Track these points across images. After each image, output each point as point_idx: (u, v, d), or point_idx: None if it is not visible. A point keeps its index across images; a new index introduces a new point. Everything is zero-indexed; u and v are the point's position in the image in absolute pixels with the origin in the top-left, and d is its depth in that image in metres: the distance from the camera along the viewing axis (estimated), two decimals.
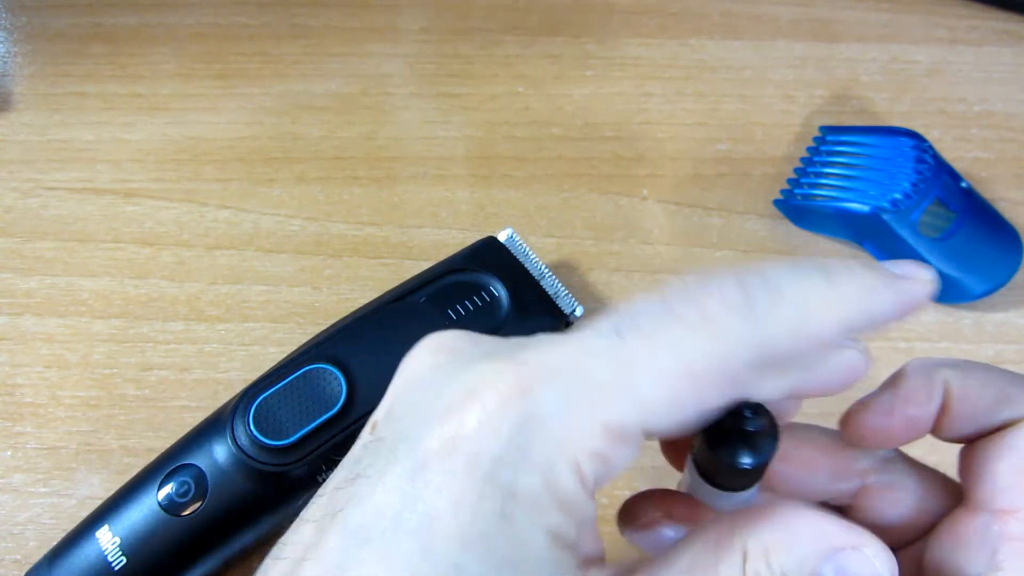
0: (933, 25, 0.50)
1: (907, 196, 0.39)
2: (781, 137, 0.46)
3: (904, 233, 0.39)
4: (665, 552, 0.20)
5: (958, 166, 0.42)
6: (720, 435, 0.21)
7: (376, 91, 0.47)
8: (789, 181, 0.43)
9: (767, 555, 0.19)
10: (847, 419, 0.26)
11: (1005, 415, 0.23)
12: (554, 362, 0.19)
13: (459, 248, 0.37)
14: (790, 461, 0.26)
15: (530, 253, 0.37)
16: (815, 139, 0.44)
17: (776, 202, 0.43)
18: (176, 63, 0.47)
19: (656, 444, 0.38)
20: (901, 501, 0.26)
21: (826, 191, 0.41)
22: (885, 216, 0.39)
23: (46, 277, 0.41)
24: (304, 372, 0.31)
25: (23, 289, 0.40)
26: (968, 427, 0.24)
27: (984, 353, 0.40)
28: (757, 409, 0.20)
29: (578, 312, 0.36)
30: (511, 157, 0.45)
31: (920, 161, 0.40)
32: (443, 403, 0.19)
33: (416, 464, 0.18)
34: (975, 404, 0.24)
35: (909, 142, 0.41)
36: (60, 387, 0.38)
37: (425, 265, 0.37)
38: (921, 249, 0.39)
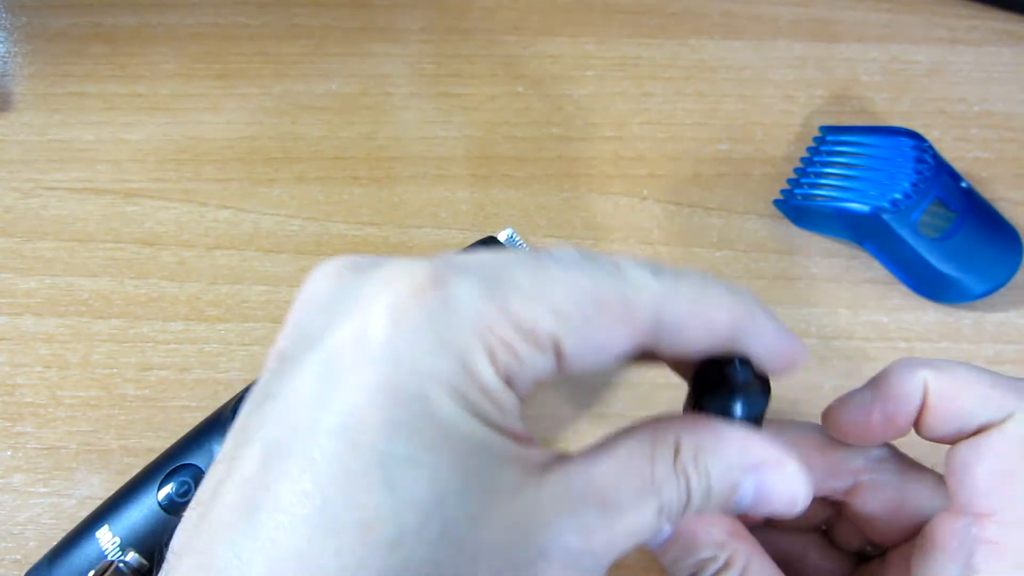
0: (933, 25, 0.50)
1: (907, 196, 0.39)
2: (781, 137, 0.46)
3: (904, 233, 0.39)
4: (603, 441, 0.21)
5: (958, 166, 0.42)
6: (710, 385, 0.22)
7: (376, 91, 0.47)
8: (789, 181, 0.43)
9: (696, 453, 0.20)
10: (828, 413, 0.26)
11: (985, 417, 0.24)
12: (470, 261, 0.19)
13: (459, 248, 0.37)
14: None
15: None
16: (815, 139, 0.44)
17: (776, 202, 0.43)
18: (176, 63, 0.47)
19: None
20: (893, 500, 0.27)
21: (826, 191, 0.41)
22: (885, 216, 0.39)
23: (46, 277, 0.41)
24: None
25: (23, 289, 0.40)
26: (949, 428, 0.25)
27: (984, 353, 0.40)
28: (745, 362, 0.21)
29: None
30: (511, 157, 0.45)
31: (920, 161, 0.40)
32: (351, 304, 0.19)
33: (327, 365, 0.18)
34: (955, 405, 0.24)
35: (909, 142, 0.41)
36: (60, 387, 0.38)
37: None
38: (921, 249, 0.39)
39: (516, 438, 0.19)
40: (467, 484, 0.18)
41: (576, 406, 0.38)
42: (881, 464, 0.28)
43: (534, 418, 0.38)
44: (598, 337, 0.19)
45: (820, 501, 0.30)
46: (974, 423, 0.24)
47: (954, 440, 0.25)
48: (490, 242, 0.37)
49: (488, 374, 0.18)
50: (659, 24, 0.49)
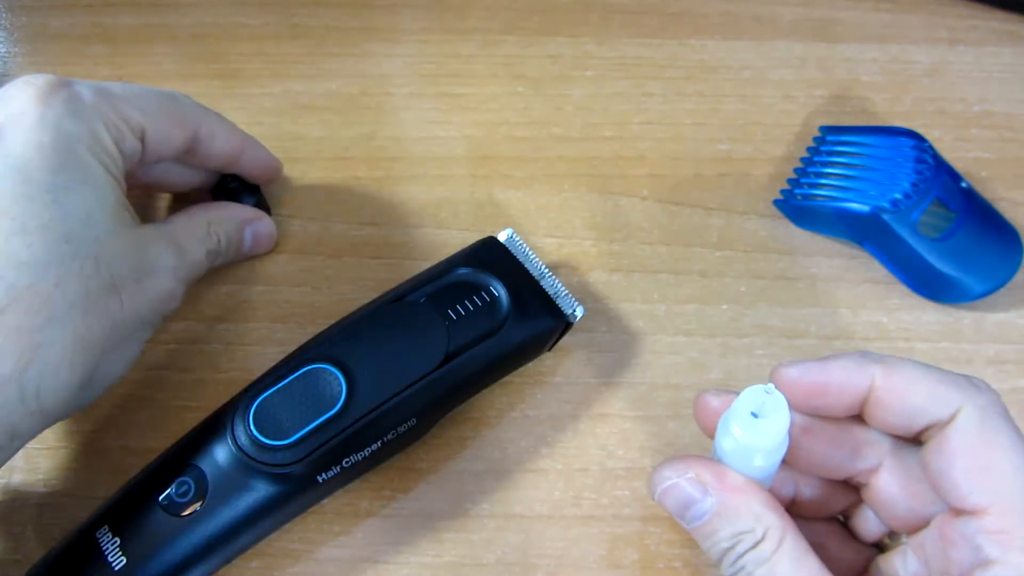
0: (933, 25, 0.50)
1: (907, 196, 0.39)
2: (781, 137, 0.46)
3: (904, 233, 0.39)
4: (158, 223, 0.34)
5: (958, 166, 0.42)
6: (221, 189, 0.40)
7: (376, 91, 0.47)
8: (789, 181, 0.43)
9: (219, 221, 0.37)
10: (775, 369, 0.28)
11: (933, 412, 0.26)
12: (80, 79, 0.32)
13: (459, 248, 0.37)
14: (815, 435, 0.29)
15: (530, 253, 0.37)
16: (815, 139, 0.44)
17: (776, 202, 0.43)
18: (176, 63, 0.47)
19: (657, 447, 0.38)
20: (912, 487, 0.28)
21: (826, 191, 0.41)
22: (885, 216, 0.39)
23: None
24: (304, 372, 0.31)
25: None
26: (896, 420, 0.27)
27: (984, 353, 0.40)
28: (235, 177, 0.40)
29: (578, 312, 0.36)
30: (511, 157, 0.45)
31: (920, 161, 0.40)
32: (6, 98, 0.29)
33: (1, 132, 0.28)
34: (902, 401, 0.26)
35: (909, 142, 0.41)
36: None
37: (425, 265, 0.37)
38: (921, 249, 0.39)
39: (124, 192, 0.31)
40: (104, 206, 0.29)
41: (576, 405, 0.38)
42: (903, 450, 0.28)
43: (533, 417, 0.38)
44: (166, 132, 0.33)
45: (842, 485, 0.30)
46: (923, 419, 0.26)
47: (905, 433, 0.27)
48: (490, 242, 0.37)
49: (108, 141, 0.30)
50: (659, 24, 0.49)
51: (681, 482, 0.27)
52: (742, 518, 0.26)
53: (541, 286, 0.36)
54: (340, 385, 0.31)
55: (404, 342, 0.32)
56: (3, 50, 0.48)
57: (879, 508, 0.29)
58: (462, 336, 0.33)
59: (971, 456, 0.25)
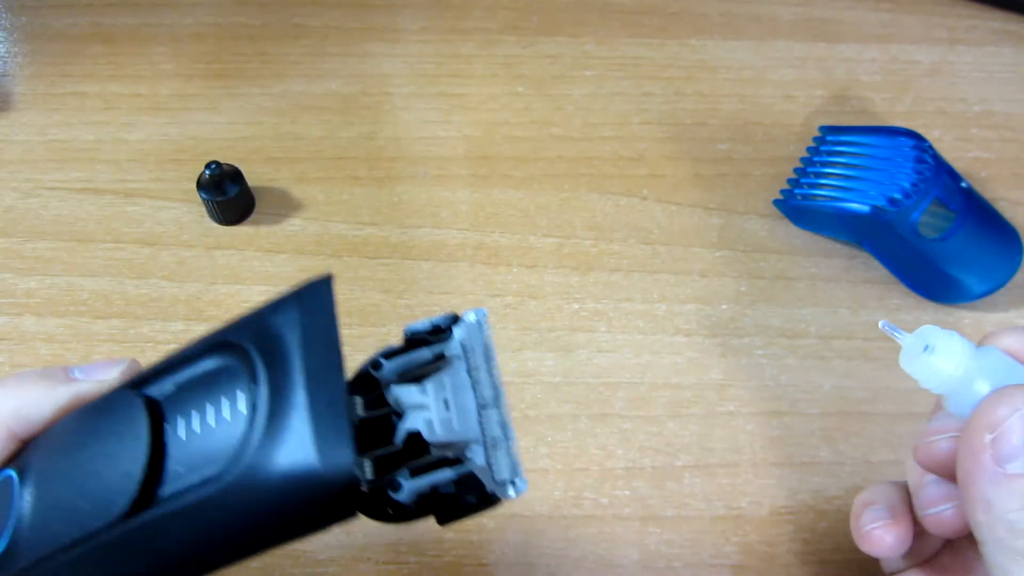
0: (933, 25, 0.50)
1: (907, 196, 0.39)
2: (781, 137, 0.46)
3: (904, 233, 0.39)
4: None
5: (958, 166, 0.42)
6: None
7: (376, 91, 0.47)
8: (789, 181, 0.43)
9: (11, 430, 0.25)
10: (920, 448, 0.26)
11: None
12: None
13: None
14: None
15: (475, 362, 0.22)
16: (815, 139, 0.44)
17: (776, 202, 0.43)
18: (176, 63, 0.47)
19: (657, 447, 0.38)
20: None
21: (826, 191, 0.41)
22: (885, 216, 0.39)
23: (46, 277, 0.41)
24: None
25: (23, 289, 0.40)
26: None
27: None
28: None
29: (518, 487, 0.21)
30: (511, 157, 0.45)
31: (920, 161, 0.40)
32: None
33: None
34: None
35: (909, 142, 0.41)
36: None
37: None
38: (921, 249, 0.39)
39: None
40: None
41: (576, 405, 0.38)
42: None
43: (533, 417, 0.38)
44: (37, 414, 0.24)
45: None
46: None
47: None
48: (455, 321, 0.22)
49: None
50: (659, 24, 0.49)
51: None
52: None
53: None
54: (8, 514, 0.21)
55: (98, 462, 0.21)
56: (3, 50, 0.48)
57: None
58: (183, 469, 0.20)
59: None
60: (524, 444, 0.37)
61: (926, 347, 0.25)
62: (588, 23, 0.49)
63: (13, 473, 0.21)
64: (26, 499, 0.21)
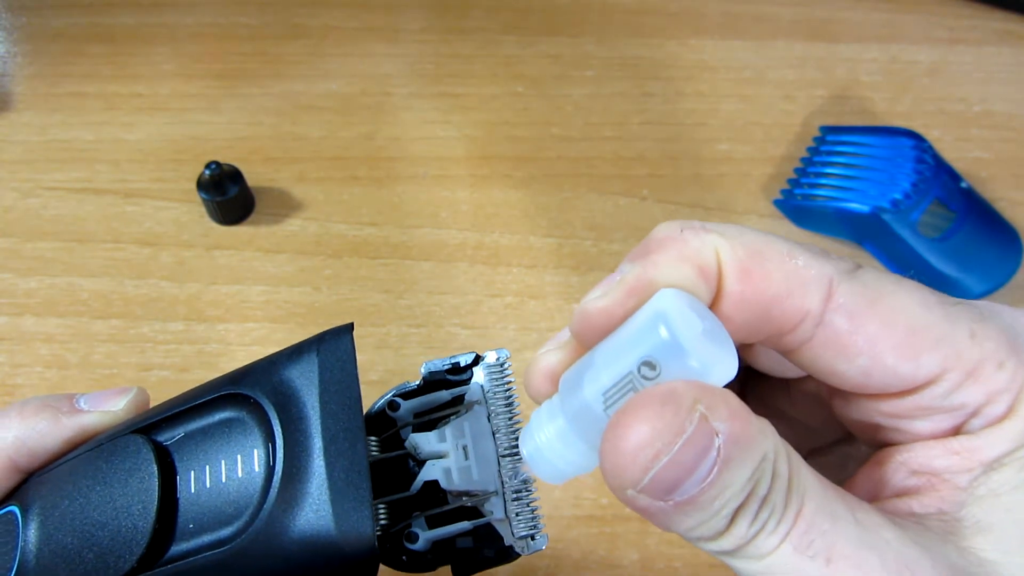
0: (933, 25, 0.50)
1: (907, 196, 0.39)
2: (781, 137, 0.46)
3: (904, 233, 0.39)
4: None
5: (958, 166, 0.42)
6: None
7: (376, 91, 0.47)
8: (789, 181, 0.43)
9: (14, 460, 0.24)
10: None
11: (800, 296, 0.18)
12: None
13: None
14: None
15: (497, 414, 0.21)
16: (815, 139, 0.44)
17: (776, 202, 0.43)
18: (176, 63, 0.47)
19: None
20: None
21: (826, 191, 0.41)
22: (885, 216, 0.39)
23: (46, 277, 0.40)
24: None
25: (23, 289, 0.40)
26: (758, 317, 0.18)
27: None
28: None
29: (538, 542, 0.22)
30: (511, 157, 0.45)
31: (920, 161, 0.40)
32: None
33: None
34: (757, 282, 0.18)
35: (909, 142, 0.41)
36: (60, 387, 0.38)
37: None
38: (921, 249, 0.39)
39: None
40: None
41: None
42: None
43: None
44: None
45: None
46: (789, 305, 0.18)
47: (758, 338, 0.19)
48: (475, 361, 0.22)
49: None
50: (659, 24, 0.49)
51: (693, 434, 0.16)
52: (759, 443, 0.17)
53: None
54: (12, 552, 0.21)
55: (106, 512, 0.20)
56: (3, 50, 0.48)
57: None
58: (193, 526, 0.19)
59: (887, 324, 0.18)
60: None
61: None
62: (588, 23, 0.49)
63: (16, 509, 0.21)
64: (30, 539, 0.20)
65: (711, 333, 0.17)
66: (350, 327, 0.20)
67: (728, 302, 0.18)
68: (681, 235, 0.19)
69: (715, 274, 0.18)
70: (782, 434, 0.18)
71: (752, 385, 0.24)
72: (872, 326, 0.18)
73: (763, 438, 0.17)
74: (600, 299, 0.19)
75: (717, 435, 0.16)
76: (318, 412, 0.19)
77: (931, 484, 0.19)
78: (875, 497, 0.20)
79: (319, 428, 0.19)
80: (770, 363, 0.23)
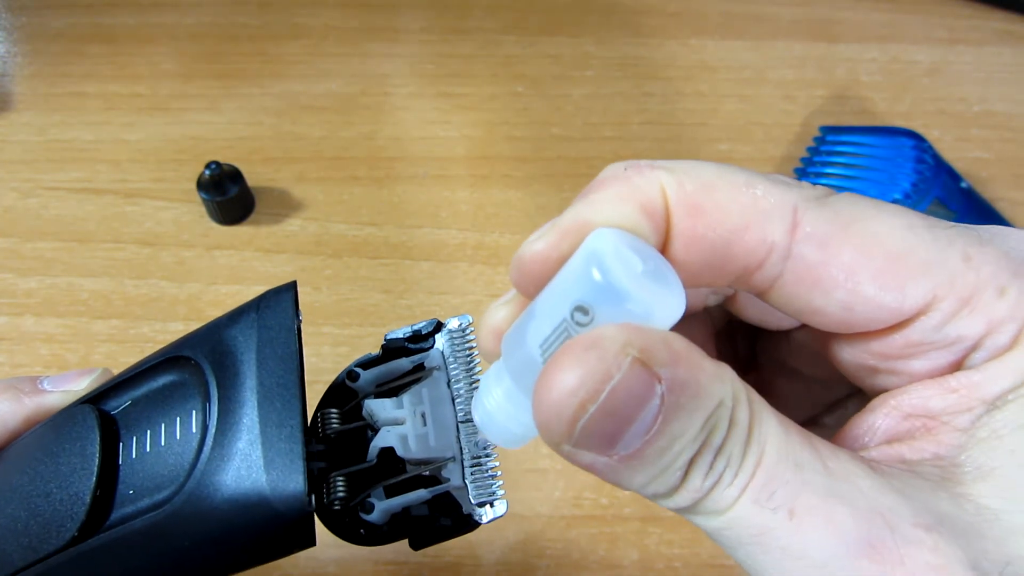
0: (933, 25, 0.50)
1: (907, 196, 0.39)
2: (781, 137, 0.46)
3: None
4: None
5: (958, 166, 0.42)
6: None
7: (376, 91, 0.47)
8: None
9: None
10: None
11: (758, 229, 0.16)
12: None
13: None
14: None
15: (455, 370, 0.21)
16: (815, 139, 0.44)
17: None
18: (176, 63, 0.47)
19: None
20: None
21: None
22: None
23: (46, 277, 0.40)
24: None
25: (23, 289, 0.40)
26: (716, 255, 0.17)
27: None
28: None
29: (498, 509, 0.20)
30: (511, 157, 0.45)
31: (920, 161, 0.40)
32: None
33: None
34: (717, 214, 0.17)
35: (909, 142, 0.41)
36: None
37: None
38: None
39: None
40: None
41: None
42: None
43: None
44: None
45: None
46: (749, 238, 0.16)
47: (723, 279, 0.17)
48: (437, 328, 0.21)
49: None
50: (659, 24, 0.49)
51: (623, 379, 0.15)
52: (712, 389, 0.15)
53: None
54: None
55: (50, 482, 0.20)
56: (3, 50, 0.48)
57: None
58: (133, 491, 0.19)
59: (864, 251, 0.16)
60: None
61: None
62: (588, 23, 0.49)
63: None
64: None
65: (653, 274, 0.16)
66: (293, 284, 0.20)
67: (679, 241, 0.17)
68: (624, 173, 0.17)
69: (661, 212, 0.17)
70: (793, 391, 0.17)
71: (763, 343, 0.23)
72: (846, 254, 0.16)
73: (718, 383, 0.15)
74: (533, 243, 0.17)
75: (659, 381, 0.15)
76: (255, 370, 0.19)
77: (927, 427, 0.17)
78: (863, 447, 0.18)
79: (254, 386, 0.18)
80: (759, 313, 0.21)
